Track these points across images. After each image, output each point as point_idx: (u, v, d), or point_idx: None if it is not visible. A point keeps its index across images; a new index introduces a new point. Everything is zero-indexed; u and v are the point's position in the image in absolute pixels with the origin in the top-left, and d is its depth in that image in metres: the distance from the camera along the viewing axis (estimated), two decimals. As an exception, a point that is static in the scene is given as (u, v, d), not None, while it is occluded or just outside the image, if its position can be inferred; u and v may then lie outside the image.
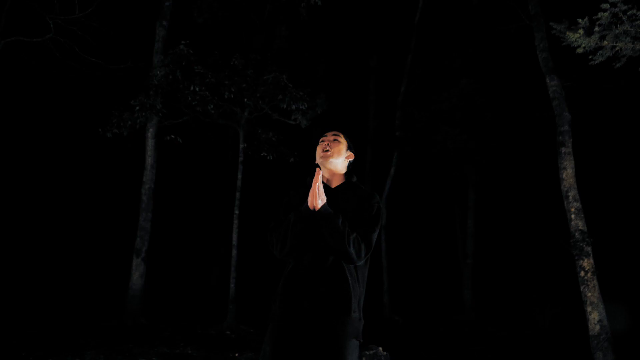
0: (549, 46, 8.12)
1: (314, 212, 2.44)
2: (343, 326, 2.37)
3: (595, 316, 6.19)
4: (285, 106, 10.96)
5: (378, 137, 14.43)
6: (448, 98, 11.51)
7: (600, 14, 5.08)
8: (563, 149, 7.26)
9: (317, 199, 2.41)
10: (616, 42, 5.36)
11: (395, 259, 14.49)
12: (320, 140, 2.72)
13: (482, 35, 11.30)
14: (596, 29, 5.25)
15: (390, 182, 14.05)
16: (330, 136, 2.70)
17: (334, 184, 2.67)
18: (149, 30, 11.93)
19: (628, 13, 4.91)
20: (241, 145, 11.67)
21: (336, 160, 2.65)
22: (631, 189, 11.29)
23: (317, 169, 2.47)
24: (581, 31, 5.32)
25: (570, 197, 6.91)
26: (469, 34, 11.75)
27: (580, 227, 6.68)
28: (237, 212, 11.60)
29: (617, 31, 5.21)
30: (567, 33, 5.35)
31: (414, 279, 15.54)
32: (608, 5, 4.98)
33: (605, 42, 5.36)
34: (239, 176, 11.74)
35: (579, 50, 5.67)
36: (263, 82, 10.45)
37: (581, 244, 6.58)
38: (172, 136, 10.51)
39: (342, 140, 2.70)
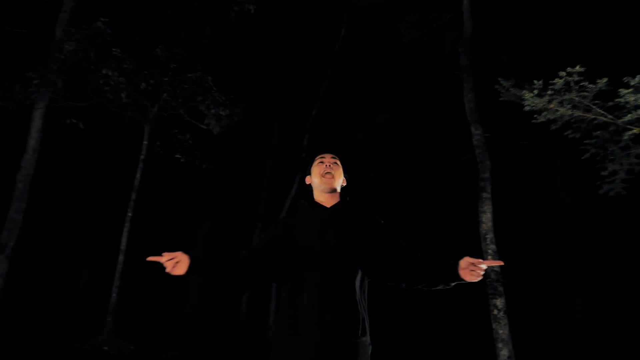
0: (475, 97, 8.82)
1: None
2: (355, 351, 2.30)
3: (505, 352, 6.69)
4: (204, 109, 10.37)
5: (281, 155, 14.33)
6: (362, 129, 11.90)
7: (556, 80, 5.64)
8: (484, 194, 7.85)
9: None
10: (559, 107, 5.98)
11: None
12: (318, 160, 2.64)
13: (409, 73, 11.96)
14: (549, 92, 5.80)
15: (290, 202, 13.98)
16: (329, 158, 2.64)
17: (329, 204, 2.59)
18: (57, -3, 10.50)
19: (580, 84, 5.52)
20: (144, 142, 10.73)
21: (337, 185, 2.61)
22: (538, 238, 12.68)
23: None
24: (536, 91, 5.84)
25: (488, 240, 7.46)
26: (394, 71, 12.37)
27: (495, 269, 7.23)
28: (130, 214, 10.55)
29: (563, 97, 5.82)
30: (524, 92, 5.83)
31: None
32: (564, 73, 5.54)
33: (552, 105, 5.96)
34: (138, 175, 10.75)
35: (526, 108, 6.21)
36: (187, 80, 9.76)
37: (495, 284, 7.10)
38: (74, 120, 9.24)
39: (339, 164, 2.67)
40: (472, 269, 2.30)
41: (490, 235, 7.50)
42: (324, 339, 2.25)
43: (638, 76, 4.98)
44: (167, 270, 2.32)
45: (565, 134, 6.63)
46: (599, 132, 6.27)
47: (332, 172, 2.56)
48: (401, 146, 11.94)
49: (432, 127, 11.44)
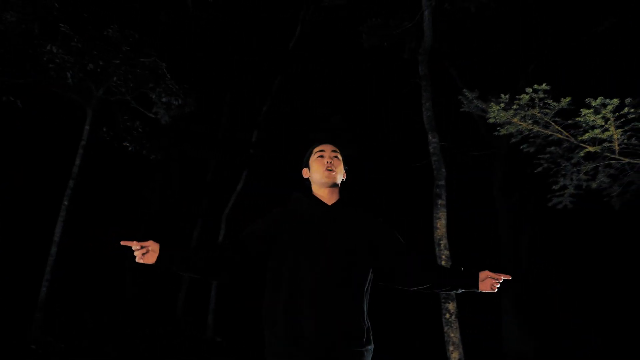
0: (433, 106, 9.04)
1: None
2: (359, 358, 2.23)
3: (455, 355, 6.89)
4: (154, 97, 9.90)
5: (229, 150, 13.97)
6: (315, 129, 11.88)
7: (522, 95, 5.88)
8: (439, 201, 8.04)
9: None
10: (521, 121, 6.25)
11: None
12: (317, 154, 2.52)
13: (367, 78, 12.06)
14: (514, 106, 6.04)
15: (236, 197, 13.67)
16: (330, 152, 2.51)
17: (330, 201, 2.46)
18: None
19: (545, 101, 5.79)
20: (86, 127, 10.10)
21: (339, 180, 2.50)
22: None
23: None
24: (502, 104, 6.06)
25: (442, 245, 7.66)
26: (352, 73, 12.42)
27: (448, 274, 7.43)
28: (66, 203, 9.88)
29: (527, 112, 6.08)
30: (492, 105, 6.03)
31: (241, 299, 15.17)
32: (531, 90, 5.79)
33: (515, 120, 6.21)
34: (77, 162, 10.10)
35: (490, 120, 6.44)
36: (139, 65, 9.25)
37: (448, 289, 7.30)
38: (11, 98, 8.47)
39: (340, 157, 2.56)
40: (492, 282, 2.33)
41: (444, 241, 7.70)
42: (326, 349, 2.12)
43: (600, 98, 5.29)
44: (137, 259, 2.17)
45: (521, 147, 6.95)
46: (553, 147, 6.62)
47: (334, 168, 2.45)
48: (355, 149, 12.07)
49: (388, 133, 11.65)
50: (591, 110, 5.45)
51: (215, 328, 13.04)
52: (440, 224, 7.86)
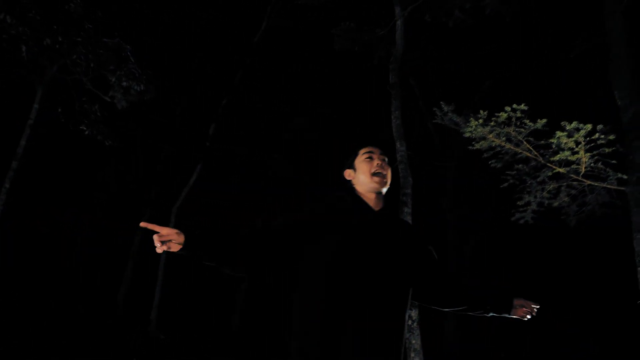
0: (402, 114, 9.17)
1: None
2: None
3: (416, 362, 7.02)
4: (114, 80, 9.39)
5: (184, 141, 13.49)
6: (278, 128, 11.72)
7: (501, 113, 6.08)
8: (405, 209, 8.16)
9: None
10: (495, 138, 6.47)
11: (173, 274, 13.53)
12: (365, 155, 2.31)
13: (335, 80, 12.01)
14: (491, 123, 6.24)
15: (188, 190, 13.22)
16: (379, 154, 2.32)
17: (376, 207, 2.28)
18: None
19: (522, 120, 6.02)
20: (35, 106, 9.45)
21: (388, 185, 2.32)
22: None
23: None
24: (481, 120, 6.24)
25: (406, 253, 7.78)
26: (319, 75, 12.32)
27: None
28: (8, 185, 9.19)
29: (502, 130, 6.30)
30: (472, 120, 6.19)
31: (189, 295, 14.73)
32: (509, 109, 6.00)
33: (490, 136, 6.41)
34: (23, 142, 9.42)
35: (467, 134, 6.61)
36: (102, 45, 8.72)
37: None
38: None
39: (388, 163, 2.37)
40: (525, 310, 2.32)
41: (408, 249, 7.83)
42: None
43: (575, 122, 5.56)
44: (157, 249, 1.93)
45: (490, 162, 7.19)
46: (520, 165, 6.90)
47: (385, 172, 2.27)
48: (320, 151, 12.03)
49: (354, 137, 11.70)
50: (565, 133, 5.72)
51: (158, 324, 12.56)
52: (405, 232, 7.98)
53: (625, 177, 5.91)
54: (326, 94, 12.07)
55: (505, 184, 7.18)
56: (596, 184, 6.39)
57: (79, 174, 13.46)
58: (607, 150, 5.77)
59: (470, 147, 6.80)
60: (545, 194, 6.91)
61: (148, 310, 12.65)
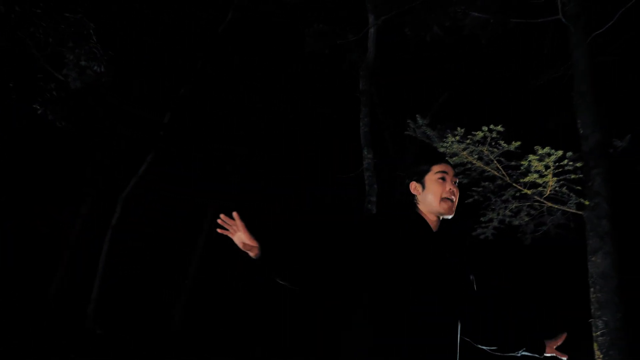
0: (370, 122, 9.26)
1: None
2: None
3: None
4: (71, 57, 8.79)
5: (137, 127, 12.85)
6: (238, 122, 11.46)
7: (478, 132, 6.27)
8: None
9: None
10: (469, 155, 6.66)
11: (115, 266, 12.87)
12: (439, 174, 2.18)
13: (302, 81, 11.84)
14: (467, 141, 6.41)
15: (137, 180, 12.63)
16: (452, 176, 2.21)
17: (435, 228, 2.21)
18: None
19: (497, 140, 6.23)
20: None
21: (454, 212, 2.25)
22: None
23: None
24: (457, 137, 6.40)
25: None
26: (284, 74, 12.09)
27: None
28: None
29: (476, 148, 6.50)
30: (449, 136, 6.34)
31: (131, 289, 14.08)
32: (486, 128, 6.20)
33: (464, 153, 6.59)
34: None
35: (441, 149, 6.75)
36: (63, 20, 8.12)
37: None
38: None
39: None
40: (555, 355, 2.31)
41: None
42: None
43: (547, 148, 5.84)
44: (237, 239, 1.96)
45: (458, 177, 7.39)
46: (486, 183, 7.15)
47: (455, 198, 2.17)
48: (282, 150, 11.87)
49: (319, 139, 11.65)
50: (537, 157, 5.98)
51: (96, 319, 11.91)
52: (369, 239, 8.04)
53: (585, 202, 6.26)
54: (293, 93, 11.94)
55: (470, 200, 7.40)
56: (556, 207, 6.74)
57: (69, 170, 12.75)
58: (573, 176, 6.09)
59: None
60: (507, 212, 7.19)
61: (86, 304, 11.98)
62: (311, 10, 10.60)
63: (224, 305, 14.76)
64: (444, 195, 2.14)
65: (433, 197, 2.15)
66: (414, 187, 2.21)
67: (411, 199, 2.21)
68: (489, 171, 6.89)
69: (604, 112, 6.90)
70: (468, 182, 7.36)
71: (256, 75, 12.00)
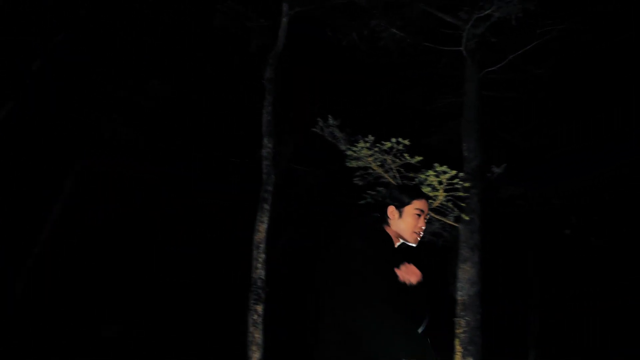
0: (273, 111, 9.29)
1: None
2: None
3: (257, 355, 7.25)
4: None
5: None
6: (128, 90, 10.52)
7: (387, 143, 6.77)
8: (264, 205, 8.32)
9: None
10: (372, 161, 7.15)
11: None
12: (417, 210, 2.41)
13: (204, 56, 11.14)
14: (375, 148, 6.88)
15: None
16: (425, 214, 2.46)
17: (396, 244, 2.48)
18: None
19: (402, 152, 6.80)
20: None
21: None
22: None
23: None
24: (368, 144, 6.83)
25: (260, 249, 7.96)
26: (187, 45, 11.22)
27: (261, 277, 7.78)
28: None
29: (381, 157, 7.01)
30: (360, 142, 6.74)
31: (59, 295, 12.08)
32: (395, 140, 6.73)
33: (369, 159, 7.06)
34: None
35: (348, 152, 7.13)
36: None
37: (259, 291, 7.64)
38: None
39: None
40: None
41: (263, 245, 8.02)
42: None
43: (444, 166, 6.55)
44: None
45: (354, 180, 7.86)
46: (381, 188, 7.73)
47: (422, 233, 2.43)
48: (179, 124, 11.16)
49: (219, 122, 11.16)
50: (434, 173, 6.67)
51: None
52: (262, 228, 8.16)
53: (465, 216, 7.15)
54: (195, 71, 11.25)
55: (363, 202, 7.92)
56: (437, 217, 7.57)
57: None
58: (461, 193, 6.92)
59: (347, 164, 7.33)
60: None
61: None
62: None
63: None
64: (416, 230, 2.38)
65: (406, 227, 2.37)
66: (391, 210, 2.41)
67: (384, 219, 2.41)
68: (386, 178, 7.46)
69: (487, 140, 7.90)
70: (363, 184, 7.87)
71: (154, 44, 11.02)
